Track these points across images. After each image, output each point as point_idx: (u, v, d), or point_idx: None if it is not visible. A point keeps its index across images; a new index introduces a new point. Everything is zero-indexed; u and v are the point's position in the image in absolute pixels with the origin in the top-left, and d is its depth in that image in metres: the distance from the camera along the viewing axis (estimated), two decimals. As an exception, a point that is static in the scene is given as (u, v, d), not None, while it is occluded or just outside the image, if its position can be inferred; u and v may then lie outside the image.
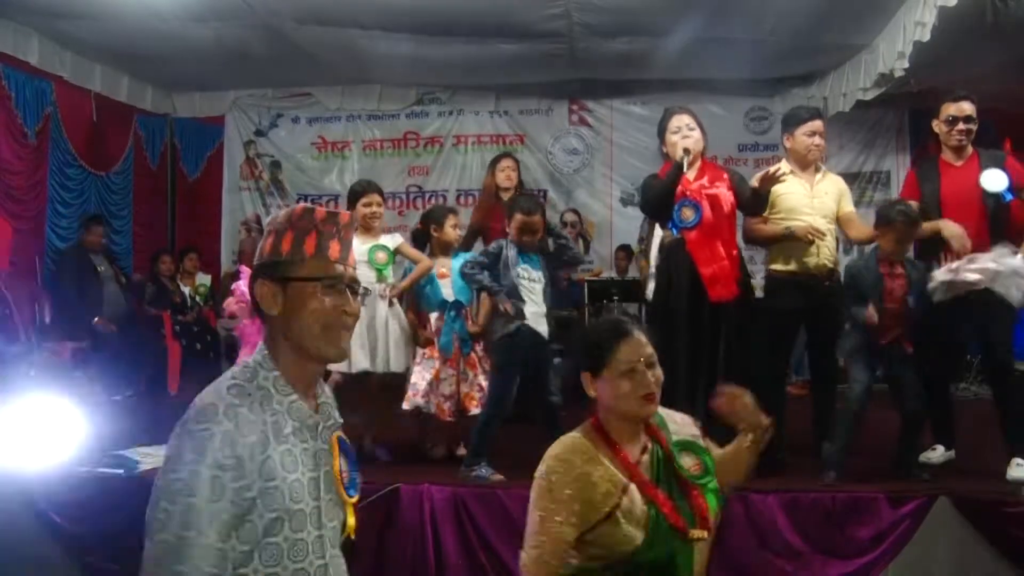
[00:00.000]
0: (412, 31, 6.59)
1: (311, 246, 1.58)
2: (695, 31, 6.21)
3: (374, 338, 4.37)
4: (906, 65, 5.47)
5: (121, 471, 4.05)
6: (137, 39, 6.74)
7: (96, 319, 6.62)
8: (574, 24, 6.35)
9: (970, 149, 4.14)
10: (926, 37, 4.93)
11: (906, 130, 8.20)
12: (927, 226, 4.01)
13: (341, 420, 1.67)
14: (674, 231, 4.03)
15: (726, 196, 4.06)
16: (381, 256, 4.43)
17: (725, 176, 4.16)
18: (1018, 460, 3.81)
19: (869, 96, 6.57)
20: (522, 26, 6.43)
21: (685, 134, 4.09)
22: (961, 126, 4.07)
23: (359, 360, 4.28)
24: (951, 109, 4.10)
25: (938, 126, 4.18)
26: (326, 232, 1.60)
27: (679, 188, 4.02)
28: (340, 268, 1.61)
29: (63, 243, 7.22)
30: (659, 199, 4.08)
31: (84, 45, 7.06)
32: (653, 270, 4.54)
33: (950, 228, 3.94)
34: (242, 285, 4.43)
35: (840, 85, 7.00)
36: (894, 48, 5.57)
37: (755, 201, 4.12)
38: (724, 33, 6.34)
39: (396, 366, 4.44)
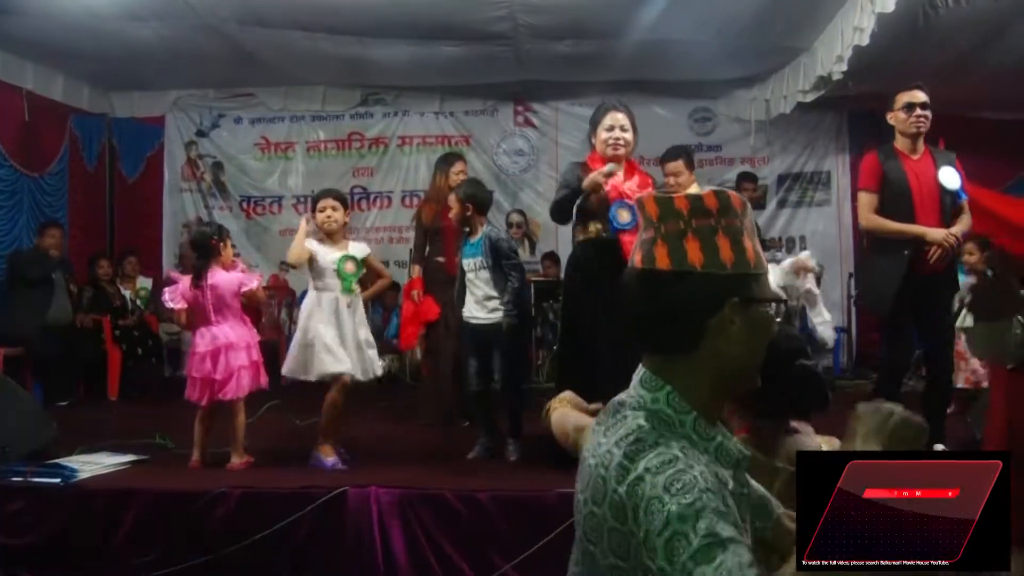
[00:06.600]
0: (356, 33, 6.53)
1: (727, 251, 1.22)
2: (640, 33, 6.27)
3: (345, 345, 4.35)
4: (844, 68, 5.58)
5: (58, 480, 3.94)
6: (72, 37, 6.55)
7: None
8: (519, 26, 6.35)
9: (922, 144, 4.20)
10: (865, 42, 5.03)
11: (845, 132, 8.40)
12: (910, 229, 4.07)
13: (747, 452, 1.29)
14: (612, 230, 4.03)
15: None
16: (350, 267, 4.39)
17: (650, 183, 4.23)
18: (938, 445, 3.94)
19: (809, 98, 6.69)
20: (467, 28, 6.41)
21: (618, 134, 4.13)
22: (919, 111, 4.12)
23: (330, 364, 4.27)
24: (907, 96, 4.15)
25: (894, 116, 4.21)
26: (730, 227, 1.24)
27: (612, 188, 4.04)
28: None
29: (-7, 246, 7.01)
30: (564, 208, 4.18)
31: (14, 42, 6.81)
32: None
33: (934, 234, 4.02)
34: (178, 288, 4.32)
35: (781, 87, 7.12)
36: (832, 52, 5.68)
37: None
38: (669, 35, 6.40)
39: (364, 374, 4.44)
